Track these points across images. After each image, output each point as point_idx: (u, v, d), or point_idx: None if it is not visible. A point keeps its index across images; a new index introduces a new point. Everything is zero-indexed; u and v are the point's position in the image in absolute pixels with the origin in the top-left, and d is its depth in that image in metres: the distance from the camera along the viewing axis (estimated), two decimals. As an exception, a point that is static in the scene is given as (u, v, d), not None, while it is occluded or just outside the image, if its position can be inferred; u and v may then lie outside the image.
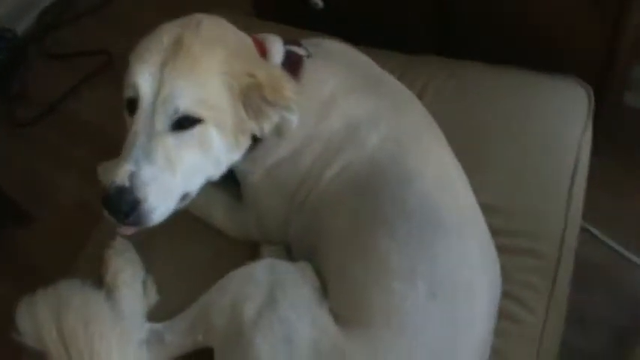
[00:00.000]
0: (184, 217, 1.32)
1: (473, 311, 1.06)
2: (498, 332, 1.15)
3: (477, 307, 1.07)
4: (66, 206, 2.12)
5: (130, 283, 1.27)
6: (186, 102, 1.05)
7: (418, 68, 1.49)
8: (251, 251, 1.32)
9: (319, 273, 1.16)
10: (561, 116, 1.40)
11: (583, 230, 1.71)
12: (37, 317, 1.16)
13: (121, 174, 1.04)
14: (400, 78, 1.44)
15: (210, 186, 1.33)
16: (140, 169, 1.04)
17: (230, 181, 1.32)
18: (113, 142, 2.13)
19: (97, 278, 1.29)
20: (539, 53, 1.52)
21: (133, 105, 1.08)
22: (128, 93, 1.09)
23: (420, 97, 1.41)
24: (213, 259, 1.31)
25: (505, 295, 1.18)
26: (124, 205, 1.03)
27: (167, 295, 1.28)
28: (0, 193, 1.94)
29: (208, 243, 1.34)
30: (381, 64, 1.37)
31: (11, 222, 2.03)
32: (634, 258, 1.74)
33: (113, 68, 2.39)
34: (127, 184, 1.03)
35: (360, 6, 1.68)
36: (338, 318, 1.07)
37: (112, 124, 2.20)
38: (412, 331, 1.01)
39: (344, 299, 1.09)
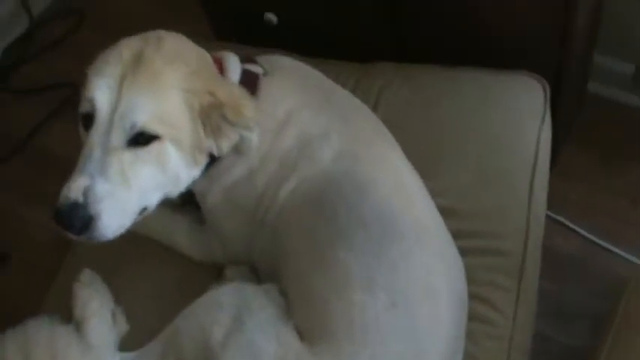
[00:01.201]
0: (149, 243, 1.34)
1: (436, 317, 1.05)
2: (468, 334, 1.15)
3: (439, 313, 1.06)
4: (41, 243, 2.09)
5: (99, 313, 1.26)
6: (144, 118, 1.04)
7: (373, 75, 1.50)
8: (217, 271, 1.31)
9: (284, 293, 1.15)
10: (517, 111, 1.41)
11: (555, 222, 1.73)
12: (5, 356, 1.16)
13: (74, 188, 1.02)
14: (355, 86, 1.46)
15: (171, 211, 1.34)
16: (95, 183, 1.02)
17: (191, 206, 1.33)
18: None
19: (68, 312, 1.28)
20: (493, 51, 1.52)
21: (88, 120, 1.07)
22: (85, 107, 1.08)
23: (376, 103, 1.43)
24: (180, 283, 1.30)
25: (472, 296, 1.18)
26: (77, 221, 1.02)
27: (137, 323, 1.27)
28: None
29: (174, 266, 1.33)
30: (336, 75, 1.38)
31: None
32: (608, 246, 1.74)
33: (78, 100, 2.38)
34: (80, 199, 1.02)
35: (312, 20, 1.69)
36: (303, 334, 1.07)
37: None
38: (375, 342, 1.01)
39: (307, 315, 1.08)
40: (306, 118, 1.20)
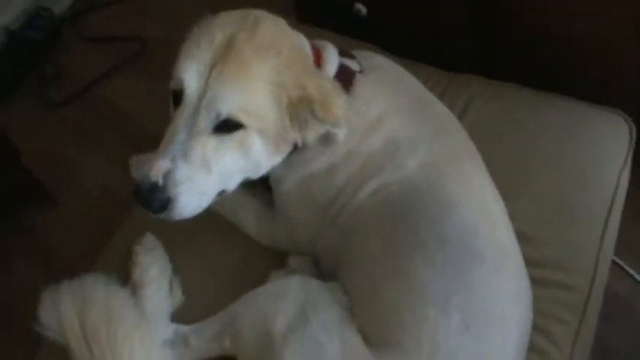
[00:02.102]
0: (215, 219, 1.34)
1: (504, 345, 1.05)
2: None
3: (508, 341, 1.05)
4: (90, 192, 2.11)
5: (157, 281, 1.26)
6: (230, 107, 1.03)
7: (459, 87, 1.48)
8: (279, 260, 1.31)
9: (345, 290, 1.15)
10: (602, 148, 1.38)
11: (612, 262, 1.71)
12: (61, 310, 1.16)
13: (155, 170, 1.03)
14: (442, 94, 1.44)
15: (243, 191, 1.33)
16: (176, 167, 1.03)
17: (263, 188, 1.32)
18: (141, 129, 2.18)
19: (123, 273, 1.29)
20: (582, 80, 1.50)
21: (177, 97, 1.07)
22: (174, 85, 1.07)
23: (460, 117, 1.40)
24: (242, 266, 1.31)
25: (533, 327, 1.16)
26: (155, 202, 1.03)
27: (193, 298, 1.28)
28: (26, 173, 1.93)
29: (238, 248, 1.33)
30: (423, 80, 1.35)
31: (34, 203, 2.03)
32: (659, 293, 1.72)
33: (146, 55, 2.39)
34: (160, 181, 1.02)
35: (401, 16, 1.66)
36: (367, 337, 1.06)
37: (142, 112, 2.24)
38: (444, 357, 1.00)
39: (374, 319, 1.08)
40: (396, 123, 1.18)
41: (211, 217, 1.31)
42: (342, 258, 1.19)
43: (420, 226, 1.09)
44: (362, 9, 1.72)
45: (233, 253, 1.33)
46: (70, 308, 1.16)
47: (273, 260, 1.31)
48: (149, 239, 1.32)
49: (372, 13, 1.69)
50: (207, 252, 1.33)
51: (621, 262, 1.76)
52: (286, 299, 1.11)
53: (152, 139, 2.04)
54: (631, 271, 1.76)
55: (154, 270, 1.27)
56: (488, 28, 1.57)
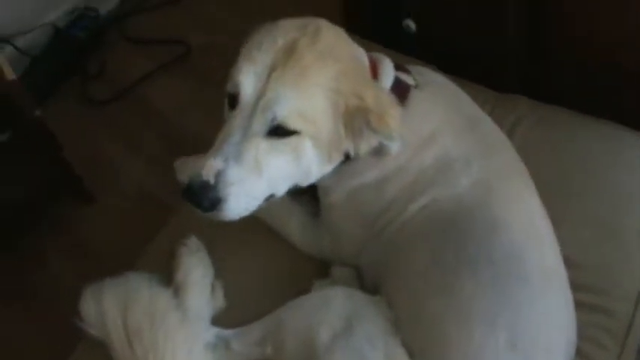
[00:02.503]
0: (260, 226, 1.35)
1: None
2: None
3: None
4: (127, 192, 2.14)
5: (200, 284, 1.28)
6: (286, 112, 1.05)
7: (507, 107, 1.48)
8: (323, 270, 1.32)
9: (389, 304, 1.15)
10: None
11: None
12: (104, 307, 1.19)
13: (208, 169, 1.04)
14: (490, 113, 1.43)
15: (290, 200, 1.34)
16: (228, 168, 1.04)
17: (310, 197, 1.34)
18: (181, 132, 2.21)
19: (164, 273, 1.30)
20: (627, 107, 1.50)
21: (233, 100, 1.09)
22: (231, 87, 1.09)
23: (508, 136, 1.40)
24: (285, 274, 1.32)
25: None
26: (205, 200, 1.04)
27: (234, 303, 1.29)
28: (67, 168, 1.96)
29: (281, 256, 1.34)
30: (471, 98, 1.36)
31: (72, 199, 2.06)
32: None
33: (190, 60, 2.42)
34: (212, 180, 1.03)
35: (450, 35, 1.68)
36: (411, 352, 1.07)
37: (182, 115, 2.28)
38: (488, 377, 1.01)
39: (419, 335, 1.08)
40: (449, 140, 1.19)
41: (256, 223, 1.34)
42: (386, 272, 1.20)
43: (468, 244, 1.10)
44: (411, 25, 1.73)
45: (276, 260, 1.34)
46: (113, 305, 1.18)
47: (317, 270, 1.32)
48: (193, 241, 1.33)
49: (421, 30, 1.70)
50: (251, 258, 1.35)
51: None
52: (331, 309, 1.13)
53: (191, 142, 2.09)
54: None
55: (197, 273, 1.29)
56: (540, 50, 1.57)
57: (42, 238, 2.05)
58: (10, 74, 1.62)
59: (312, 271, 1.32)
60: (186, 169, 1.49)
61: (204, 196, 1.04)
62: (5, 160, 1.87)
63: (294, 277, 1.30)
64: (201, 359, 1.16)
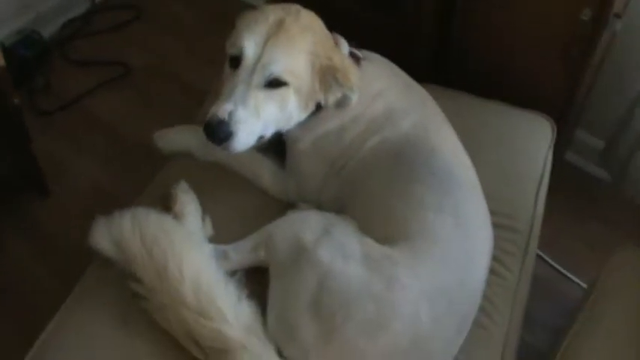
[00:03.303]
0: (231, 176, 1.62)
1: (483, 244, 1.42)
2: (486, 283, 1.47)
3: (484, 242, 1.43)
4: (79, 187, 2.33)
5: (194, 213, 1.51)
6: (279, 69, 1.38)
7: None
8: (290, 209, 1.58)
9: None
10: (531, 138, 1.81)
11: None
12: (120, 227, 1.38)
13: (222, 109, 1.34)
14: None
15: (260, 154, 1.63)
16: (237, 110, 1.35)
17: (273, 154, 1.63)
18: (124, 140, 2.43)
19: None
20: (517, 90, 1.94)
21: (235, 61, 1.40)
22: (233, 51, 1.40)
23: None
24: (260, 208, 1.57)
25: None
26: (221, 133, 1.34)
27: (220, 233, 1.51)
28: (31, 162, 2.12)
29: (253, 196, 1.61)
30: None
31: (33, 192, 2.23)
32: (568, 274, 2.15)
33: (129, 79, 2.66)
34: (226, 118, 1.34)
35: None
36: (379, 242, 1.36)
37: (123, 125, 2.49)
38: (443, 244, 1.34)
39: (384, 229, 1.39)
40: (392, 96, 1.55)
41: (229, 174, 1.62)
42: (347, 196, 1.51)
43: (414, 162, 1.45)
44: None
45: (251, 199, 1.60)
46: (128, 225, 1.38)
47: (285, 208, 1.58)
48: (183, 184, 1.58)
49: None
50: (230, 198, 1.60)
51: (541, 253, 2.17)
52: (311, 220, 1.41)
53: (133, 146, 2.30)
54: (549, 260, 2.18)
55: (191, 205, 1.52)
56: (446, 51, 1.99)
57: (2, 225, 2.19)
58: (1, 60, 1.80)
59: (282, 207, 1.58)
60: (165, 138, 1.76)
61: (220, 131, 1.34)
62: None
63: (268, 211, 1.55)
64: (209, 261, 1.37)
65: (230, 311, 1.30)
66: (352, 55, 1.56)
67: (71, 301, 1.46)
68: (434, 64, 2.08)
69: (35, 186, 2.22)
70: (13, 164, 2.08)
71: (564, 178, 2.34)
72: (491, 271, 1.51)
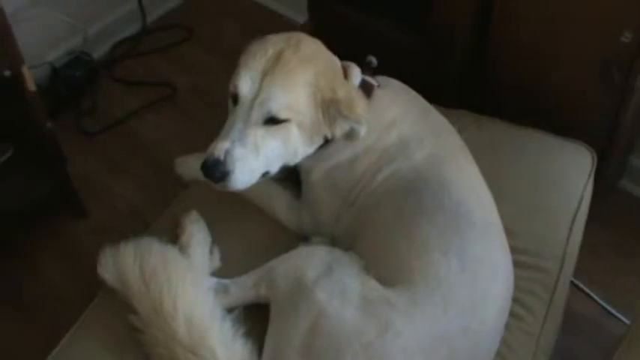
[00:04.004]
0: (246, 205, 1.59)
1: (492, 287, 1.31)
2: (506, 327, 1.38)
3: (495, 286, 1.32)
4: (117, 209, 2.35)
5: (201, 244, 1.49)
6: (277, 106, 1.33)
7: (451, 118, 1.75)
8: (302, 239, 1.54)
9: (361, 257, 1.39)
10: (569, 169, 1.68)
11: (576, 287, 1.99)
12: (122, 257, 1.38)
13: (219, 149, 1.31)
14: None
15: (275, 183, 1.60)
16: (234, 148, 1.31)
17: (291, 183, 1.59)
18: (166, 160, 2.43)
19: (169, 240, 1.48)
20: (554, 115, 1.85)
21: (235, 96, 1.37)
22: (233, 88, 1.37)
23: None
24: (271, 241, 1.53)
25: (512, 299, 1.41)
26: (217, 173, 1.31)
27: (228, 265, 1.49)
28: (67, 181, 2.16)
29: (267, 227, 1.57)
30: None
31: (69, 211, 2.26)
32: (614, 312, 2.01)
33: (175, 100, 2.69)
34: (222, 157, 1.30)
35: (406, 69, 1.99)
36: (382, 283, 1.30)
37: (167, 146, 2.49)
38: (445, 290, 1.25)
39: (388, 270, 1.32)
40: (407, 125, 1.47)
41: (243, 205, 1.58)
42: (356, 232, 1.44)
43: (424, 198, 1.37)
44: (374, 60, 2.04)
45: (263, 230, 1.57)
46: (130, 256, 1.38)
47: (297, 238, 1.54)
48: (194, 214, 1.56)
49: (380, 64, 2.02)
50: (241, 229, 1.57)
51: (585, 288, 2.04)
52: (315, 258, 1.36)
53: (173, 169, 2.30)
54: (593, 295, 2.03)
55: (199, 236, 1.50)
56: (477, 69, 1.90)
57: (37, 244, 2.23)
58: (32, 85, 1.84)
59: (294, 237, 1.54)
60: (185, 164, 1.74)
61: (217, 170, 1.31)
62: (13, 169, 2.08)
63: (279, 241, 1.52)
64: (206, 296, 1.35)
65: (222, 351, 1.27)
66: (364, 84, 1.50)
67: (75, 329, 1.46)
68: (464, 86, 1.98)
69: (72, 207, 2.25)
70: (49, 186, 2.11)
71: (617, 208, 2.21)
72: (512, 315, 1.42)
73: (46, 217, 2.27)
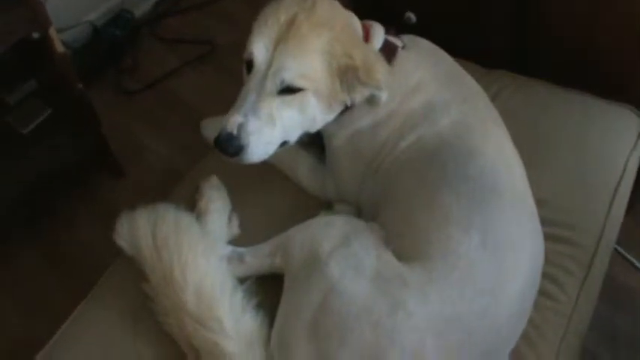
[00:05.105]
0: (273, 171, 1.54)
1: (516, 266, 1.21)
2: (534, 304, 1.29)
3: (519, 264, 1.22)
4: (154, 168, 2.34)
5: (220, 211, 1.45)
6: (291, 75, 1.26)
7: (490, 79, 1.68)
8: (326, 208, 1.49)
9: (382, 227, 1.32)
10: (613, 134, 1.58)
11: (621, 256, 1.87)
12: (136, 223, 1.36)
13: (231, 123, 1.26)
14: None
15: (299, 149, 1.54)
16: (247, 121, 1.25)
17: (316, 148, 1.53)
18: (202, 118, 2.40)
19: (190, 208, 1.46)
20: (599, 78, 1.71)
21: (249, 65, 1.30)
22: (247, 56, 1.31)
23: (491, 100, 1.59)
24: (292, 209, 1.49)
25: (544, 275, 1.32)
26: (231, 148, 1.26)
27: (247, 232, 1.45)
28: (103, 143, 2.16)
29: (289, 195, 1.52)
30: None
31: (105, 171, 2.27)
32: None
33: (214, 57, 2.64)
34: (235, 132, 1.25)
35: (447, 26, 1.88)
36: (400, 257, 1.23)
37: (206, 105, 2.44)
38: (464, 267, 1.17)
39: (407, 243, 1.25)
40: (433, 89, 1.38)
41: (270, 169, 1.53)
42: (379, 201, 1.37)
43: (448, 166, 1.28)
44: (412, 17, 1.94)
45: (285, 198, 1.52)
46: (144, 222, 1.35)
47: (320, 208, 1.50)
48: (214, 179, 1.52)
49: (420, 19, 1.91)
50: (263, 197, 1.53)
51: (631, 258, 1.91)
52: (333, 228, 1.30)
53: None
54: (637, 264, 1.91)
55: (218, 202, 1.47)
56: (524, 30, 1.77)
57: (75, 204, 2.25)
58: (60, 47, 1.82)
59: (317, 209, 1.49)
60: (210, 127, 1.70)
61: (230, 145, 1.25)
62: (49, 131, 2.08)
63: (300, 212, 1.47)
64: (218, 267, 1.32)
65: (230, 323, 1.24)
66: (387, 44, 1.41)
67: (91, 296, 1.45)
68: (508, 51, 1.85)
69: (109, 167, 2.24)
70: (84, 147, 2.10)
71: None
72: (541, 293, 1.33)
73: (84, 177, 2.27)
